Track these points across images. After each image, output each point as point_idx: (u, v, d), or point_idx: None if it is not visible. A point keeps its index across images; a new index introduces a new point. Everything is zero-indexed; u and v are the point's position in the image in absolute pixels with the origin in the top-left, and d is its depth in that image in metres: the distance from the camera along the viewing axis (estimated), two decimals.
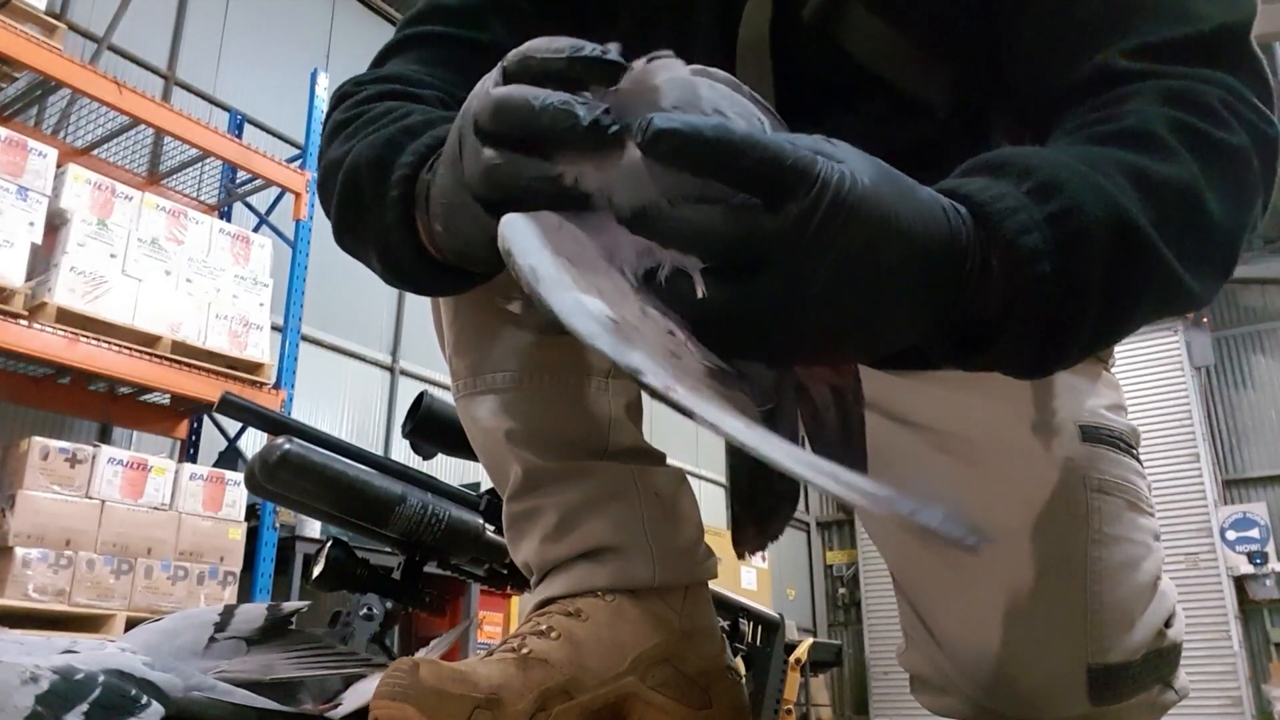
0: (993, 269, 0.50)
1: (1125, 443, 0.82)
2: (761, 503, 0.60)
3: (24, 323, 3.36)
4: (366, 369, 5.88)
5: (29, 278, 3.45)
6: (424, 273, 0.64)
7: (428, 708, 0.65)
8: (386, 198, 0.62)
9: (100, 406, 4.17)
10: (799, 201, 0.44)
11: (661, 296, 0.48)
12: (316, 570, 1.29)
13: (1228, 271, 0.61)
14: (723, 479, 8.51)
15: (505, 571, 1.43)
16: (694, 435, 8.05)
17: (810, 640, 4.57)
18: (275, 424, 1.34)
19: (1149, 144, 0.57)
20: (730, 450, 0.58)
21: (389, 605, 1.34)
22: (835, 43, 0.77)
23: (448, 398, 1.05)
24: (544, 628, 0.78)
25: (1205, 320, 8.49)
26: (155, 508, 3.54)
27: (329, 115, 0.77)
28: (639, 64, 0.50)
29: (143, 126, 4.20)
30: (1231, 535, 8.03)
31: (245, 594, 3.84)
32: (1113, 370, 0.87)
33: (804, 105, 0.79)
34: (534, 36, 0.58)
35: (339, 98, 0.77)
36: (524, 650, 0.74)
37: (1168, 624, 0.80)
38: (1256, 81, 0.63)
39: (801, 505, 9.87)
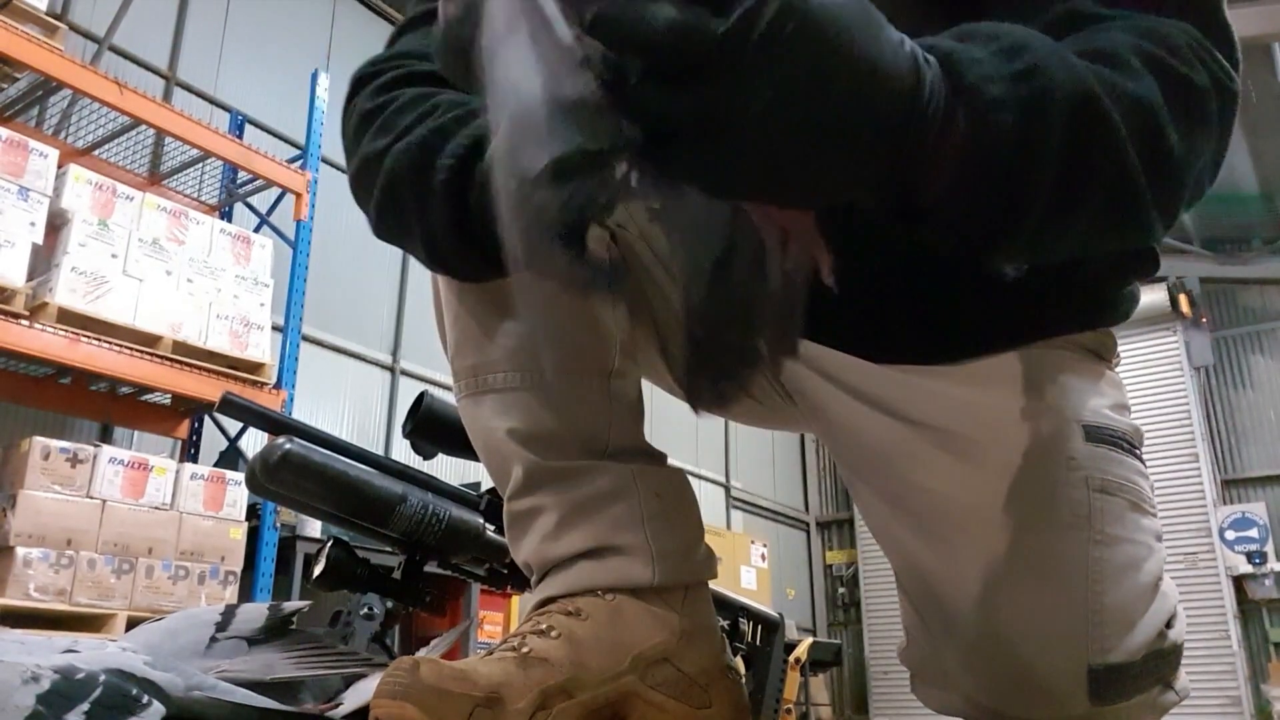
0: (956, 118, 0.48)
1: (1128, 443, 0.82)
2: (718, 362, 0.60)
3: (25, 323, 3.36)
4: (367, 369, 5.88)
5: (30, 278, 3.45)
6: (470, 265, 0.71)
7: (428, 706, 0.65)
8: (430, 204, 0.67)
9: (101, 406, 4.17)
10: (745, 17, 0.41)
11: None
12: (317, 570, 1.29)
13: (1177, 204, 0.60)
14: (722, 479, 8.51)
15: (505, 571, 1.43)
16: (694, 436, 8.04)
17: (810, 640, 4.57)
18: (276, 424, 1.34)
19: (1115, 62, 0.56)
20: (689, 311, 0.57)
21: (389, 605, 1.34)
22: None
23: (448, 398, 1.06)
24: (544, 627, 0.78)
25: (1204, 320, 8.49)
26: (156, 507, 3.54)
27: (351, 100, 0.79)
28: None
29: (144, 127, 4.20)
30: (1230, 535, 8.03)
31: (246, 594, 3.84)
32: (1116, 370, 0.87)
33: None
34: None
35: (358, 81, 0.80)
36: (524, 649, 0.74)
37: (1169, 625, 0.80)
38: (1223, 44, 0.64)
39: (801, 505, 9.87)
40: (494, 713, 0.68)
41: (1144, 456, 0.84)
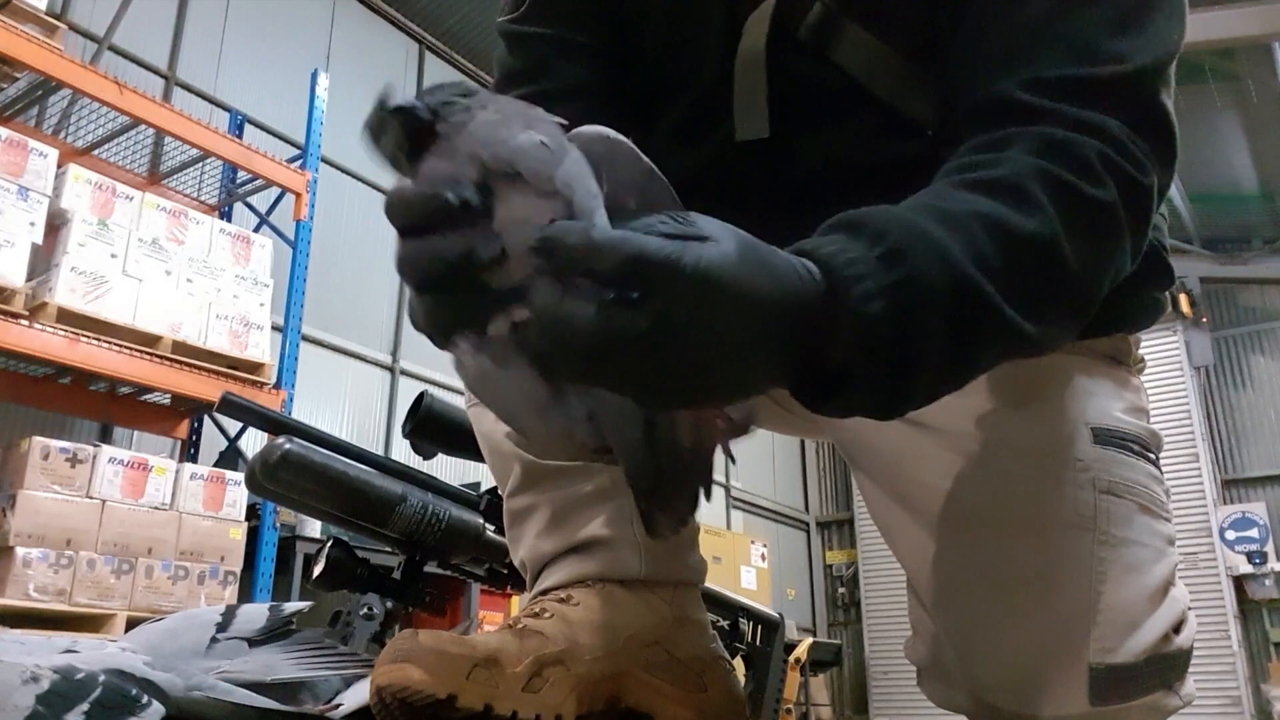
0: (840, 328, 0.54)
1: (1141, 445, 0.82)
2: (664, 490, 0.63)
3: (25, 323, 3.36)
4: (367, 369, 5.87)
5: (30, 278, 3.45)
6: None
7: (428, 665, 0.67)
8: None
9: (101, 406, 4.17)
10: (661, 298, 0.47)
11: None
12: (317, 570, 1.29)
13: (1083, 314, 0.65)
14: (722, 479, 8.51)
15: (505, 571, 1.43)
16: None
17: (810, 640, 4.57)
18: (275, 424, 1.34)
19: (1015, 196, 0.60)
20: (623, 448, 0.62)
21: (389, 605, 1.34)
22: (829, 58, 0.80)
23: (448, 398, 1.07)
24: (538, 610, 0.81)
25: (1204, 320, 8.49)
26: (156, 507, 3.54)
27: None
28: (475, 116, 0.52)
29: (143, 127, 4.20)
30: (1231, 535, 8.03)
31: (246, 594, 3.84)
32: (1139, 375, 0.88)
33: (798, 118, 0.81)
34: (581, 38, 0.67)
35: None
36: (519, 626, 0.78)
37: (1177, 630, 0.80)
38: (1147, 128, 0.66)
39: (801, 505, 9.86)
40: (491, 673, 0.70)
41: (1160, 461, 0.84)
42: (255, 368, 4.05)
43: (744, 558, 7.36)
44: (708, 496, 0.64)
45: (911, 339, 0.55)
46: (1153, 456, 0.83)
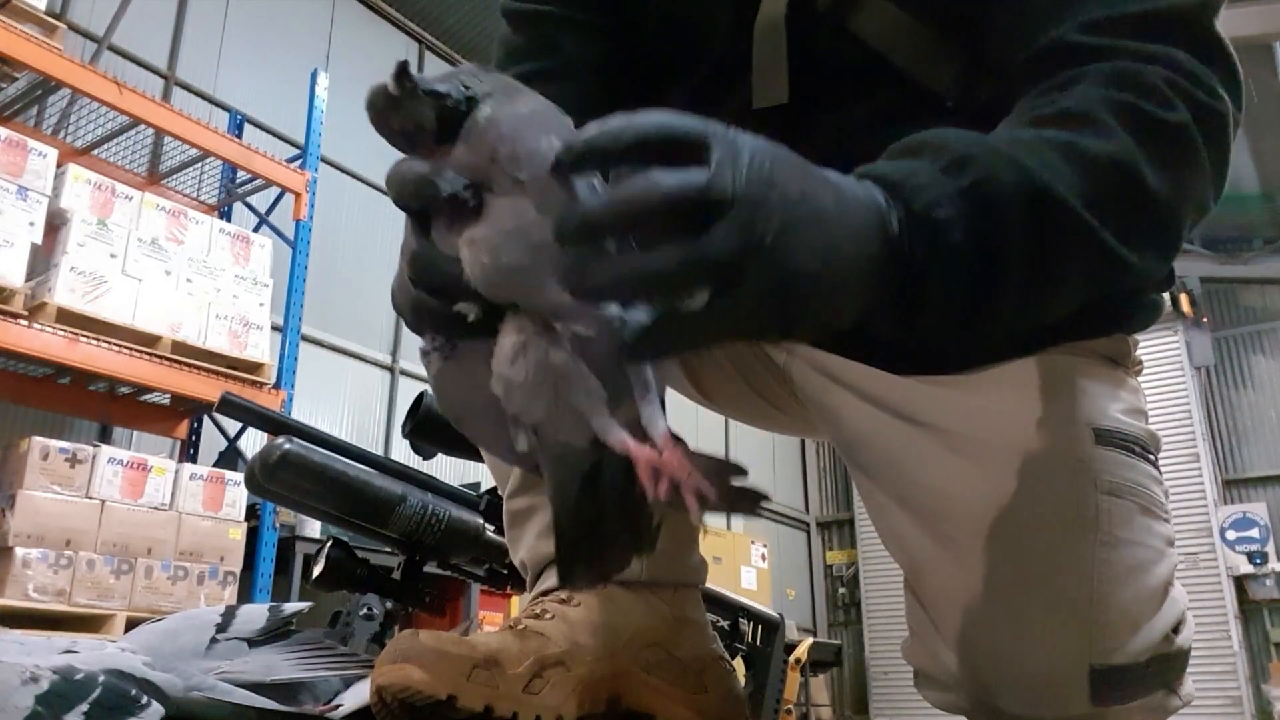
0: (913, 240, 0.51)
1: (1141, 446, 0.82)
2: (593, 542, 0.60)
3: (24, 323, 3.36)
4: (366, 369, 5.87)
5: (29, 278, 3.44)
6: None
7: (428, 665, 0.67)
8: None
9: (100, 406, 4.17)
10: (720, 148, 0.45)
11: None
12: (317, 570, 1.29)
13: (1172, 244, 0.62)
14: None
15: (505, 571, 1.43)
16: (693, 436, 8.03)
17: (810, 640, 4.57)
18: (275, 424, 1.34)
19: (1083, 122, 0.58)
20: (558, 489, 0.59)
21: (389, 605, 1.34)
22: (849, 29, 0.78)
23: None
24: (539, 611, 0.81)
25: (1205, 320, 8.49)
26: (155, 508, 3.54)
27: None
28: (479, 113, 0.51)
29: (143, 126, 4.20)
30: (1231, 535, 8.03)
31: (245, 594, 3.84)
32: (1136, 377, 0.88)
33: (816, 91, 0.80)
34: (584, 15, 0.69)
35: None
36: (520, 627, 0.78)
37: (1176, 630, 0.80)
38: (1213, 59, 0.65)
39: (801, 505, 9.86)
40: (492, 674, 0.70)
41: (1159, 463, 0.84)
42: (255, 368, 4.05)
43: (744, 558, 7.36)
44: (644, 554, 0.60)
45: (988, 244, 0.52)
46: (1152, 458, 0.83)
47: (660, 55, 0.90)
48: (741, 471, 0.52)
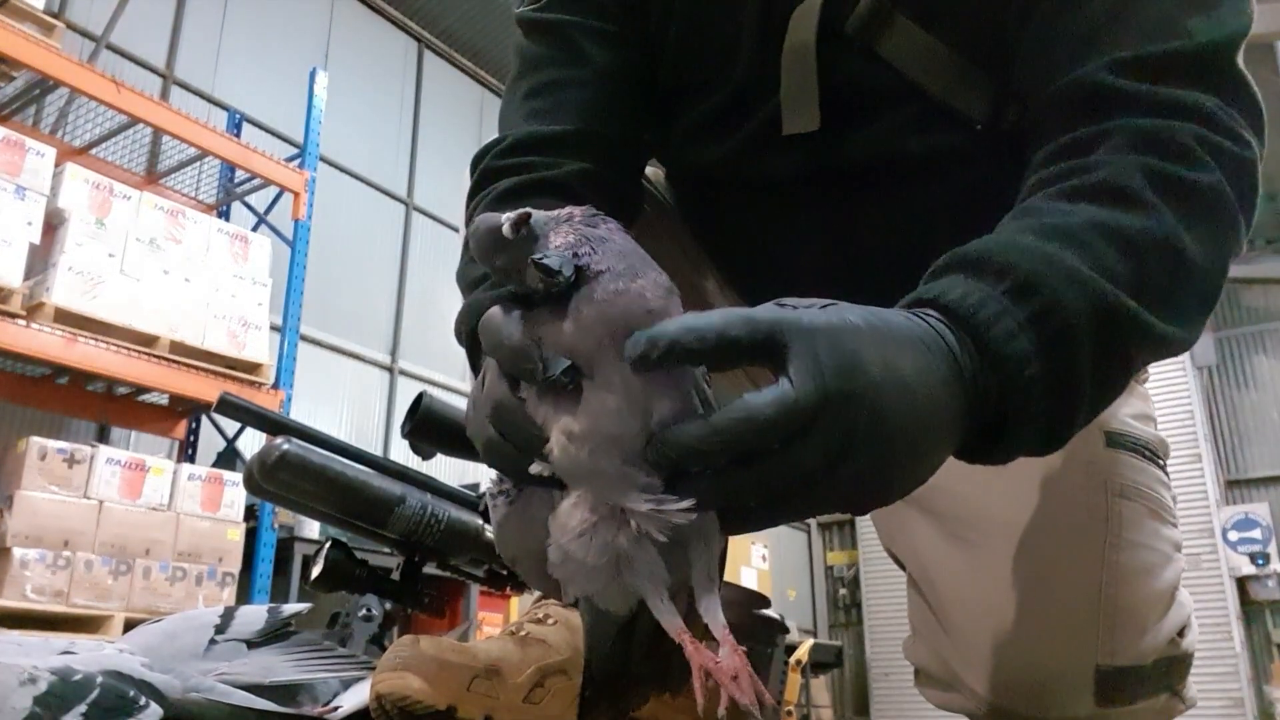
0: (987, 377, 0.51)
1: (1151, 451, 0.82)
2: (619, 685, 0.60)
3: (22, 322, 3.35)
4: (365, 369, 5.87)
5: (27, 277, 3.43)
6: None
7: (428, 675, 0.67)
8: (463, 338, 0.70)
9: (98, 406, 4.16)
10: (796, 342, 0.45)
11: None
12: (315, 571, 1.28)
13: (1213, 302, 0.63)
14: None
15: (505, 572, 1.43)
16: None
17: (811, 641, 4.57)
18: (274, 424, 1.33)
19: (1124, 198, 0.58)
20: (595, 634, 0.60)
21: (388, 606, 1.33)
22: (878, 53, 0.78)
23: (447, 398, 1.06)
24: (541, 615, 0.81)
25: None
26: (153, 508, 3.53)
27: (483, 153, 0.81)
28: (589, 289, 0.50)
29: (141, 126, 4.19)
30: (1233, 536, 8.03)
31: (244, 595, 3.83)
32: (1144, 384, 0.87)
33: (841, 111, 0.80)
34: (606, 25, 0.70)
35: (488, 148, 0.82)
36: (522, 633, 0.77)
37: (1181, 633, 0.80)
38: (1238, 98, 0.64)
39: None
40: (493, 683, 0.70)
41: (1168, 468, 0.84)
42: (253, 368, 4.04)
43: (744, 558, 7.36)
44: (662, 694, 0.62)
45: (1064, 369, 0.53)
46: (1161, 462, 0.83)
47: (676, 74, 0.89)
48: (765, 603, 0.53)
